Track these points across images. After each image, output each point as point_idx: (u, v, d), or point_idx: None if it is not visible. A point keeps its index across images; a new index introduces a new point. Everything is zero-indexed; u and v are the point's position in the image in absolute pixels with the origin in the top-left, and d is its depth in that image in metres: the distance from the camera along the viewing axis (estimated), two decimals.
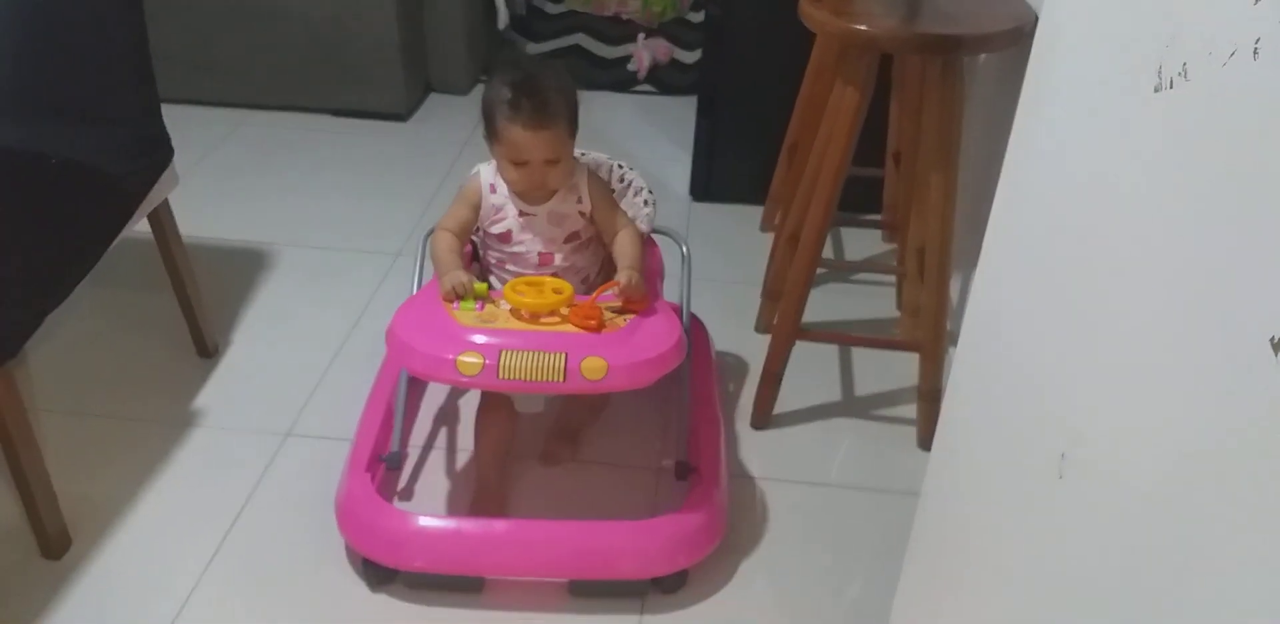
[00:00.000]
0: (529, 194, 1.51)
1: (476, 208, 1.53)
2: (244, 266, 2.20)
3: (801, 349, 1.77)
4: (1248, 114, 0.53)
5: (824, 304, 2.08)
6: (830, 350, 1.99)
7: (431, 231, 1.56)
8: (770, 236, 2.13)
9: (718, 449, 1.61)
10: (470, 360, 1.32)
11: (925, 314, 1.72)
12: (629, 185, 1.68)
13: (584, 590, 1.45)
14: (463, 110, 2.96)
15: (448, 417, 1.80)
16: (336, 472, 1.59)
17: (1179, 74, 0.61)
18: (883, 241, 2.36)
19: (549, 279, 1.44)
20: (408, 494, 1.63)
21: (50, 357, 1.89)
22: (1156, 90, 0.64)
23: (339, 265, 2.22)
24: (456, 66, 3.04)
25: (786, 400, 1.81)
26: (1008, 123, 0.91)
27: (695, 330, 1.84)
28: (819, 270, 1.75)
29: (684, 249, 1.69)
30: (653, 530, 1.44)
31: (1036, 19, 1.51)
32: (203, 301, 1.87)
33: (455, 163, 2.65)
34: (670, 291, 1.65)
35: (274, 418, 1.77)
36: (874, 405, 1.87)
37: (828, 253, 2.27)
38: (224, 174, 2.57)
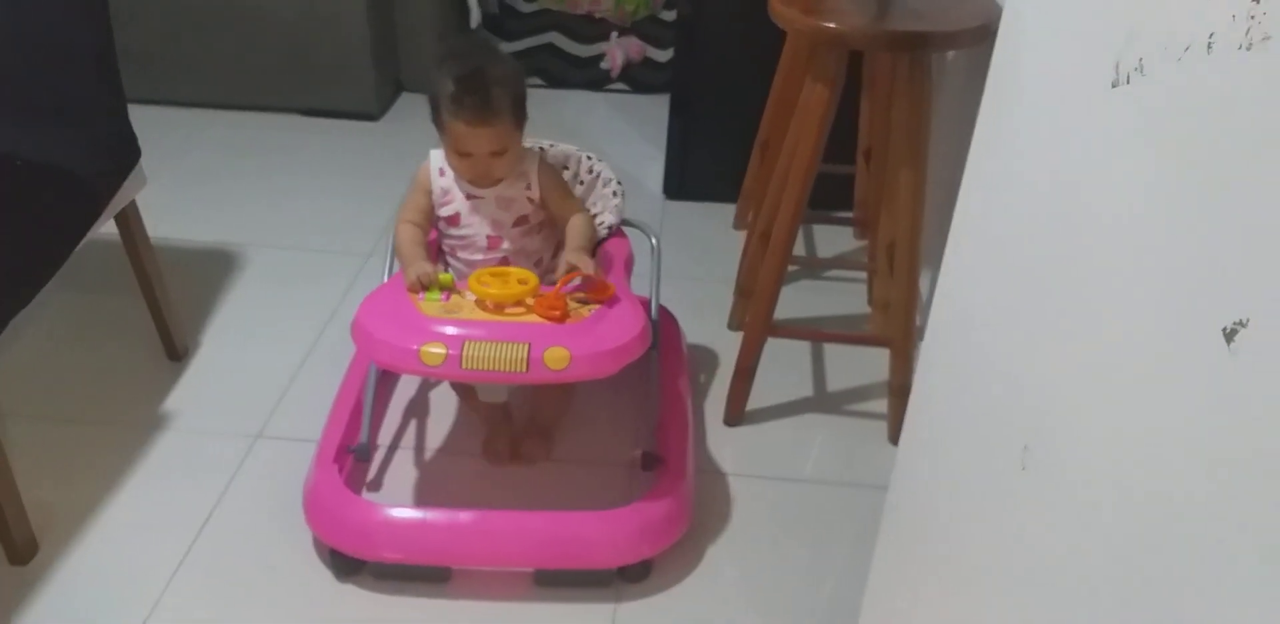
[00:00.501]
0: (476, 180, 1.53)
1: (429, 193, 1.56)
2: (213, 268, 2.19)
3: (773, 345, 1.78)
4: (1203, 108, 0.54)
5: (796, 301, 2.09)
6: (802, 346, 2.00)
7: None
8: (743, 234, 2.13)
9: (685, 440, 1.62)
10: (434, 351, 1.33)
11: (895, 310, 1.73)
12: (598, 177, 1.70)
13: (549, 580, 1.46)
14: None
15: (418, 409, 1.80)
16: (306, 474, 1.59)
17: (1136, 69, 0.62)
18: (854, 238, 2.37)
19: (514, 269, 1.45)
20: (376, 485, 1.63)
21: (16, 360, 1.87)
22: (1114, 86, 0.64)
23: (309, 266, 2.21)
24: (428, 66, 3.02)
25: (759, 396, 1.81)
26: (976, 119, 0.91)
27: (665, 323, 1.85)
28: (790, 267, 1.76)
29: (653, 240, 1.71)
30: (617, 520, 1.45)
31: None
32: (171, 304, 1.85)
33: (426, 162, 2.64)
34: (641, 286, 1.65)
35: (244, 420, 1.76)
36: (845, 401, 1.88)
37: (799, 250, 2.28)
38: (193, 175, 2.55)
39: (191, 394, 1.82)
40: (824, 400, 1.88)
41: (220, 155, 2.66)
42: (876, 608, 1.19)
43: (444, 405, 1.80)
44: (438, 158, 1.57)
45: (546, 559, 1.44)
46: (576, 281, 1.45)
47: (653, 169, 2.56)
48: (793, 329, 1.97)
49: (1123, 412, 0.61)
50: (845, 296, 2.17)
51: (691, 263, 2.21)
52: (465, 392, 1.68)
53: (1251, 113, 0.50)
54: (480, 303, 1.40)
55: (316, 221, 2.38)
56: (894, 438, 1.77)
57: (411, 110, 2.98)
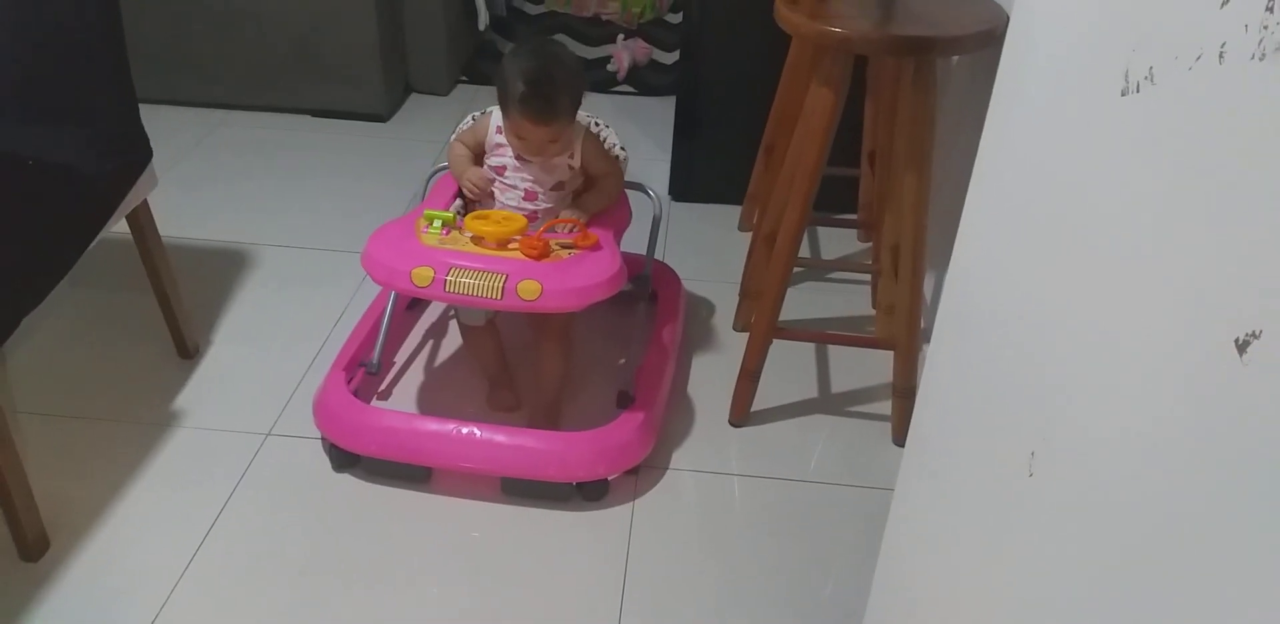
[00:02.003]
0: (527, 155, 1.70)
1: (483, 141, 1.73)
2: (224, 267, 2.20)
3: (779, 347, 1.79)
4: (1214, 118, 0.54)
5: (801, 303, 2.10)
6: (807, 348, 2.01)
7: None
8: (748, 236, 2.14)
9: (660, 383, 1.77)
10: (423, 273, 1.51)
11: (900, 312, 1.74)
12: (604, 141, 1.84)
13: (514, 489, 1.62)
14: (443, 111, 2.96)
15: (435, 334, 2.01)
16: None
17: (1145, 78, 0.62)
18: (858, 241, 2.38)
19: (499, 212, 1.64)
20: (386, 395, 1.84)
21: (29, 358, 1.89)
22: (1124, 94, 0.65)
23: (319, 266, 2.22)
24: (437, 67, 3.04)
25: (764, 398, 1.82)
26: (980, 124, 0.92)
27: (664, 276, 2.07)
28: (795, 269, 1.77)
29: (651, 193, 1.90)
30: (578, 440, 1.62)
31: (1009, 21, 1.52)
32: (182, 302, 1.87)
33: (436, 163, 2.65)
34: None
35: (254, 418, 1.77)
36: (850, 402, 1.89)
37: (804, 252, 2.28)
38: (203, 175, 2.56)
39: (202, 392, 1.83)
40: (828, 402, 1.89)
41: (231, 155, 2.68)
42: (880, 609, 1.20)
43: (459, 337, 1.93)
44: (499, 117, 1.70)
45: (511, 468, 1.60)
46: (564, 229, 1.63)
47: (658, 171, 2.57)
48: (798, 331, 1.98)
49: (1131, 419, 0.61)
50: (850, 299, 2.18)
51: (697, 264, 2.22)
52: (470, 343, 1.84)
53: (1262, 123, 0.49)
54: (475, 239, 1.58)
55: (326, 221, 2.39)
56: (898, 440, 1.78)
57: (420, 112, 2.99)
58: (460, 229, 1.62)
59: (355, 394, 1.70)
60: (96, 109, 1.60)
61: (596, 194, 1.74)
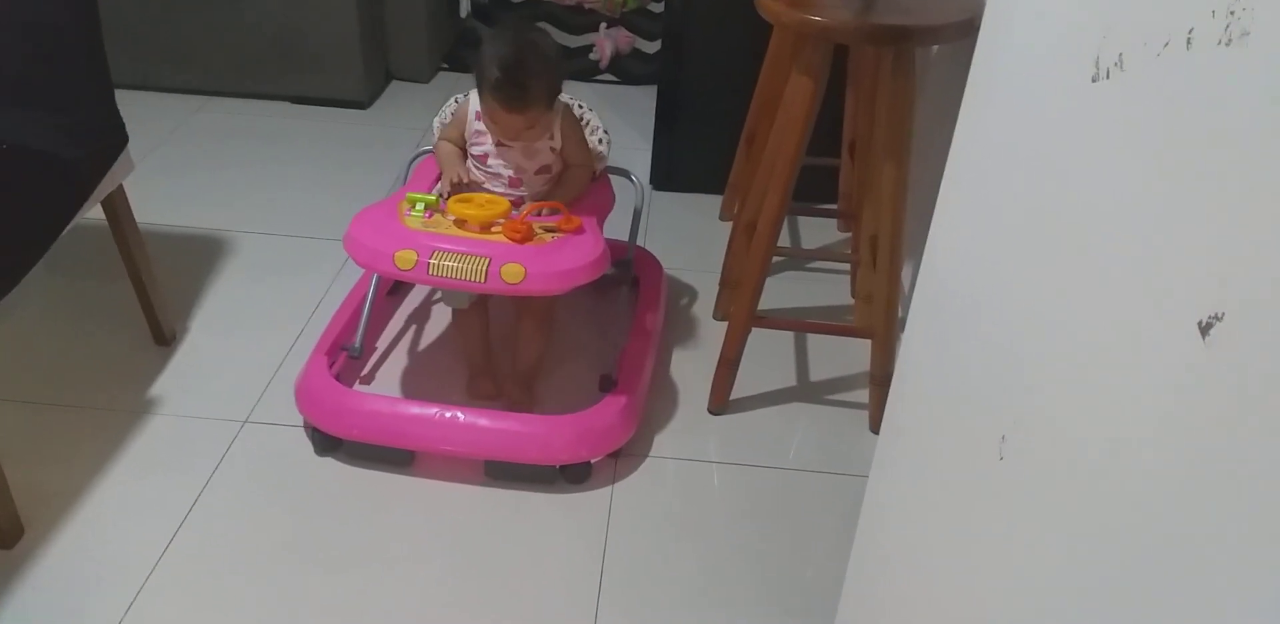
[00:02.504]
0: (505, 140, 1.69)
1: (464, 130, 1.73)
2: (201, 254, 2.19)
3: (758, 336, 1.79)
4: (1182, 104, 0.54)
5: (780, 292, 2.10)
6: (786, 337, 2.02)
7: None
8: (729, 225, 2.15)
9: (642, 367, 1.78)
10: (406, 256, 1.51)
11: (878, 301, 1.75)
12: (587, 124, 1.84)
13: (497, 472, 1.63)
14: (424, 98, 2.95)
15: (420, 318, 2.02)
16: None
17: (1115, 64, 0.62)
18: (838, 230, 2.38)
19: (482, 195, 1.64)
20: (369, 380, 1.84)
21: (2, 345, 1.87)
22: (1095, 80, 0.65)
23: (297, 253, 2.21)
24: (418, 54, 3.02)
25: (743, 386, 1.83)
26: (959, 113, 0.93)
27: (646, 262, 2.08)
28: (775, 258, 1.77)
29: (634, 179, 1.91)
30: (560, 424, 1.63)
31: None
32: (159, 289, 1.85)
33: (416, 151, 2.64)
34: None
35: (231, 405, 1.76)
36: (828, 390, 1.90)
37: (784, 241, 2.29)
38: (181, 161, 2.55)
39: (178, 379, 1.82)
40: (807, 390, 1.90)
41: (209, 142, 2.66)
42: (856, 594, 1.21)
43: (443, 321, 1.99)
44: (476, 102, 1.69)
45: (493, 451, 1.61)
46: (547, 212, 1.63)
47: (639, 160, 2.56)
48: (777, 320, 1.98)
49: (1099, 403, 0.62)
50: (829, 288, 2.19)
51: (677, 253, 2.23)
52: (460, 324, 1.85)
53: (1230, 108, 0.50)
54: (458, 223, 1.58)
55: (304, 209, 2.38)
56: (875, 427, 1.79)
57: (401, 99, 2.98)
58: (443, 212, 1.62)
59: (337, 378, 1.70)
60: (72, 93, 1.59)
61: (563, 187, 1.73)
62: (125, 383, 1.80)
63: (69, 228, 1.56)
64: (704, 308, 2.10)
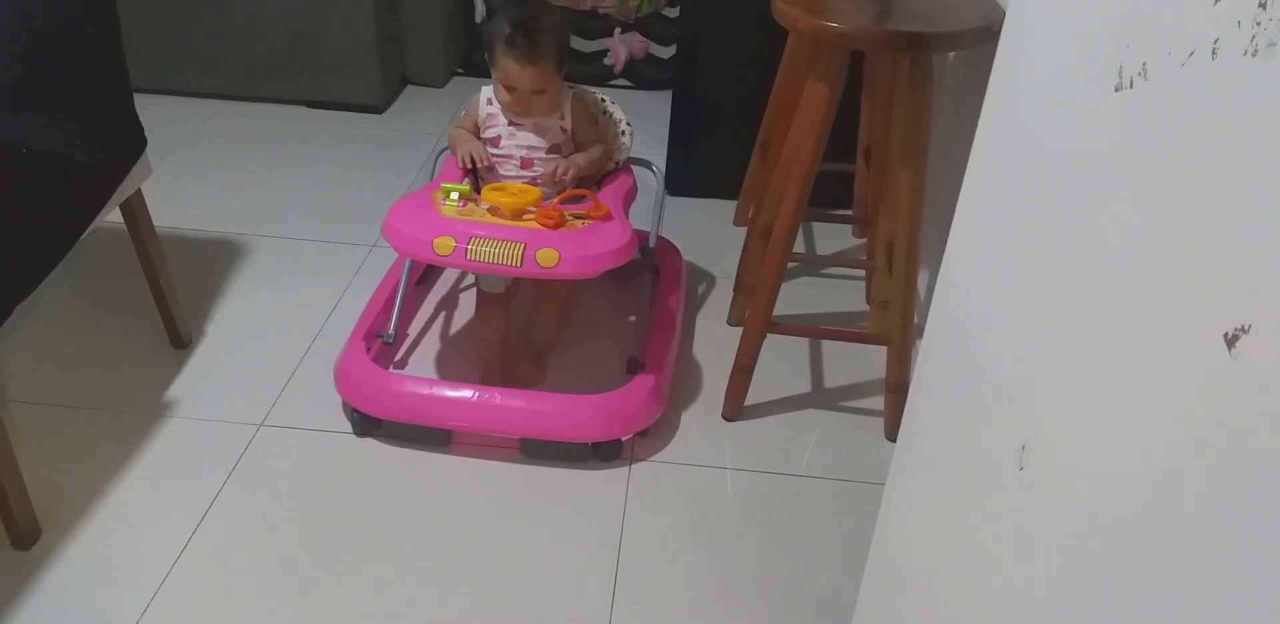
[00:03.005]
0: (518, 114, 1.75)
1: (477, 117, 1.79)
2: (218, 257, 2.19)
3: (772, 342, 1.79)
4: (1207, 114, 0.54)
5: (795, 298, 2.10)
6: (800, 343, 2.02)
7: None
8: (743, 231, 2.14)
9: (667, 349, 1.84)
10: (445, 242, 1.57)
11: (893, 308, 1.74)
12: (610, 117, 1.91)
13: (532, 450, 1.69)
14: (439, 103, 2.96)
15: (448, 305, 2.09)
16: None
17: (1139, 74, 0.62)
18: (853, 237, 2.38)
19: (514, 184, 1.70)
20: (403, 364, 1.91)
21: (21, 347, 1.88)
22: (1117, 89, 0.65)
23: (314, 256, 2.22)
24: (433, 59, 3.03)
25: (757, 392, 1.83)
26: (976, 120, 0.92)
27: (666, 250, 2.14)
28: (790, 264, 1.77)
29: (655, 169, 1.99)
30: (592, 403, 1.70)
31: (1005, 17, 1.53)
32: (176, 292, 1.86)
33: (431, 155, 2.65)
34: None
35: (247, 408, 1.77)
36: (843, 397, 1.90)
37: (799, 247, 2.29)
38: (198, 165, 2.56)
39: (195, 382, 1.83)
40: (821, 397, 1.90)
41: (226, 146, 2.67)
42: (871, 604, 1.20)
43: (469, 310, 2.01)
44: (488, 91, 1.78)
45: (528, 429, 1.67)
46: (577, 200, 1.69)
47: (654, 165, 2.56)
48: (791, 326, 1.98)
49: (1121, 414, 0.62)
50: (844, 294, 2.19)
51: (692, 258, 2.23)
52: (483, 314, 1.88)
53: (1255, 119, 0.50)
54: (492, 210, 1.64)
55: (320, 213, 2.39)
56: (890, 435, 1.78)
57: (416, 103, 2.99)
58: (477, 201, 1.67)
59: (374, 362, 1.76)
60: (91, 98, 1.60)
61: (584, 154, 1.79)
62: (142, 385, 1.81)
63: (88, 231, 1.57)
64: (718, 313, 2.09)
